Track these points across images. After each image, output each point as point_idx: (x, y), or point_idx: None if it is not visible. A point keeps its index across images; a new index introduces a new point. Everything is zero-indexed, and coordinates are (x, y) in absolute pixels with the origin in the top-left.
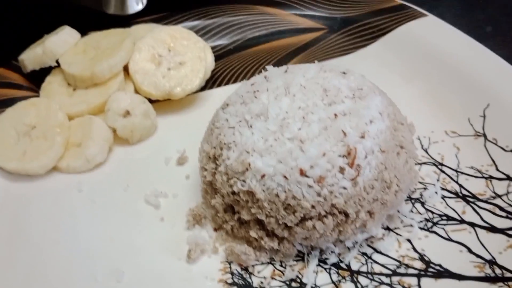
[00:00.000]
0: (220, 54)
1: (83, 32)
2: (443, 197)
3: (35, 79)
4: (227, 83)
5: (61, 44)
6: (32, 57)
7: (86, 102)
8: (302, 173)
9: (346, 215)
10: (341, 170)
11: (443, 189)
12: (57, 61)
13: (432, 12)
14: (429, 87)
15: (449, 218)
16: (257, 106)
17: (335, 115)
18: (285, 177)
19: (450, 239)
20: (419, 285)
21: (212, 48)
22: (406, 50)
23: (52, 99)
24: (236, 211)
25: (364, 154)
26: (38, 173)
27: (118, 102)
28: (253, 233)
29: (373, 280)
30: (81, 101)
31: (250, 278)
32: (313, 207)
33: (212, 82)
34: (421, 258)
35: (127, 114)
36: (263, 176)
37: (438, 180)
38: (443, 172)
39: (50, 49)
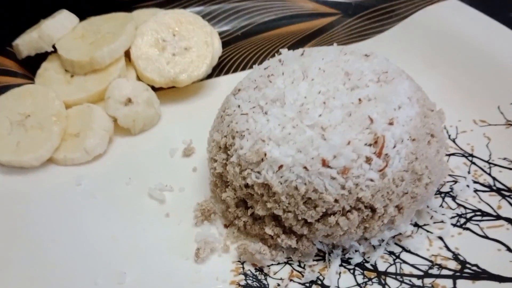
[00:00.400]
0: (227, 41)
1: (82, 18)
2: (476, 190)
3: (31, 66)
4: (235, 71)
5: (58, 28)
6: (27, 42)
7: (85, 90)
8: (325, 163)
9: (373, 210)
10: (368, 160)
11: (475, 182)
12: (53, 46)
13: None
14: (454, 74)
15: (484, 213)
16: (272, 91)
17: (360, 100)
18: (305, 168)
19: (486, 237)
20: (455, 287)
21: (219, 34)
22: (427, 36)
23: (49, 86)
24: (249, 205)
25: (393, 143)
26: (33, 165)
27: (119, 90)
28: (268, 230)
29: (403, 282)
30: (79, 88)
31: (266, 279)
32: (336, 201)
33: (220, 69)
34: (456, 257)
35: (129, 102)
36: (280, 167)
37: (469, 172)
38: (474, 163)
39: (46, 33)
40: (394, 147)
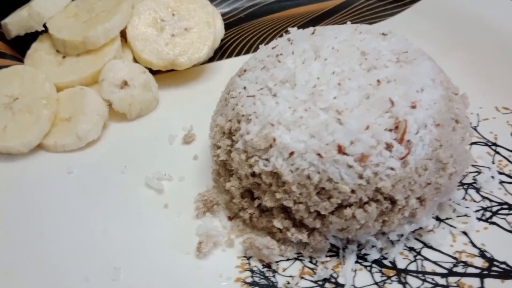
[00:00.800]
0: (230, 23)
1: None
2: (501, 182)
3: (20, 47)
4: (238, 54)
5: (50, 6)
6: (16, 20)
7: (78, 72)
8: (340, 150)
9: (393, 202)
10: (388, 147)
11: (500, 173)
12: (44, 26)
13: None
14: (473, 58)
15: (511, 206)
16: (281, 72)
17: (378, 81)
18: (319, 155)
19: None
20: (482, 287)
21: (221, 15)
22: (444, 18)
23: (39, 68)
24: (256, 196)
25: (416, 128)
26: (20, 151)
27: (115, 72)
28: (277, 223)
29: (425, 281)
30: (71, 70)
31: (274, 276)
32: (353, 191)
33: (222, 52)
34: (482, 254)
35: (125, 85)
36: (291, 153)
37: (493, 162)
38: (498, 153)
39: (37, 12)
40: (417, 132)
